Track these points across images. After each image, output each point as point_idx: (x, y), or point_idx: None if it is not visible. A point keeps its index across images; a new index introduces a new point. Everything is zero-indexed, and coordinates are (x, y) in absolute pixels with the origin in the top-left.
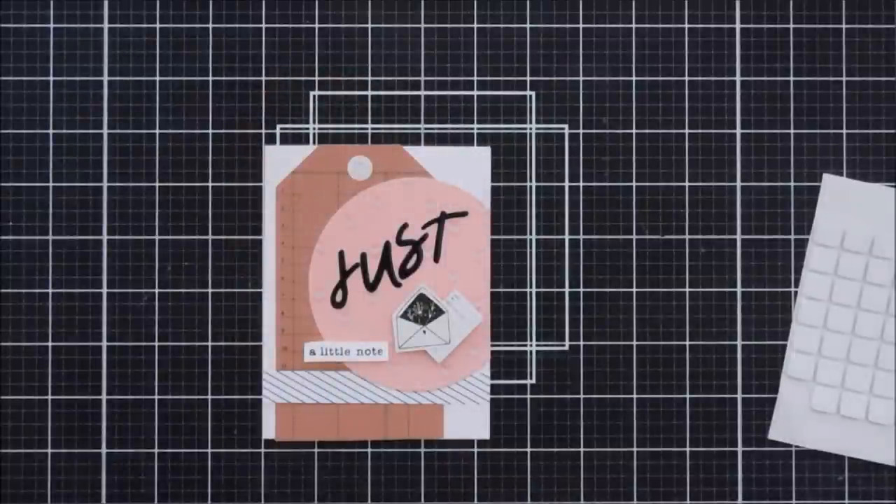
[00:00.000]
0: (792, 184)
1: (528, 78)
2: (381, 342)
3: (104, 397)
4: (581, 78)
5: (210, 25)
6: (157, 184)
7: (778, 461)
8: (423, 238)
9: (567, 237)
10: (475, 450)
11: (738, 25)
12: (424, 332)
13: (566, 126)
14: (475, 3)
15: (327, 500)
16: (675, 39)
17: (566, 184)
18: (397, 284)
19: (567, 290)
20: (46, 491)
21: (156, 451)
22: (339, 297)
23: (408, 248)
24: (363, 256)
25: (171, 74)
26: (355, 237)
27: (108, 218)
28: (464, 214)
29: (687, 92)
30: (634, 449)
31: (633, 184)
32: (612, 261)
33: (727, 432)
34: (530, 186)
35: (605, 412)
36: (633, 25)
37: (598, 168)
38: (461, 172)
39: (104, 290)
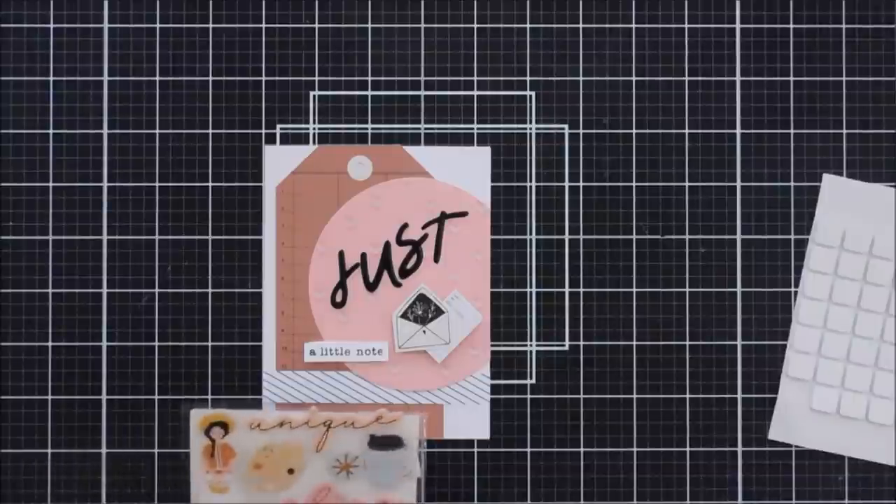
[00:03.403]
0: (792, 184)
1: (528, 78)
2: (381, 342)
3: (104, 397)
4: (581, 78)
5: (210, 25)
6: (157, 184)
7: (778, 461)
8: (423, 238)
9: (567, 237)
10: (475, 450)
11: (738, 25)
12: (424, 331)
13: (566, 126)
14: (475, 3)
15: None
16: (675, 39)
17: (566, 184)
18: (397, 284)
19: (567, 290)
20: (46, 491)
21: (156, 451)
22: (339, 297)
23: (408, 248)
24: (363, 256)
25: (171, 74)
26: (355, 237)
27: (108, 218)
28: (464, 214)
29: (687, 92)
30: (634, 449)
31: (633, 184)
32: (612, 261)
33: (727, 432)
34: (530, 186)
35: (605, 412)
36: (633, 25)
37: (598, 168)
38: (461, 172)
39: (104, 290)
